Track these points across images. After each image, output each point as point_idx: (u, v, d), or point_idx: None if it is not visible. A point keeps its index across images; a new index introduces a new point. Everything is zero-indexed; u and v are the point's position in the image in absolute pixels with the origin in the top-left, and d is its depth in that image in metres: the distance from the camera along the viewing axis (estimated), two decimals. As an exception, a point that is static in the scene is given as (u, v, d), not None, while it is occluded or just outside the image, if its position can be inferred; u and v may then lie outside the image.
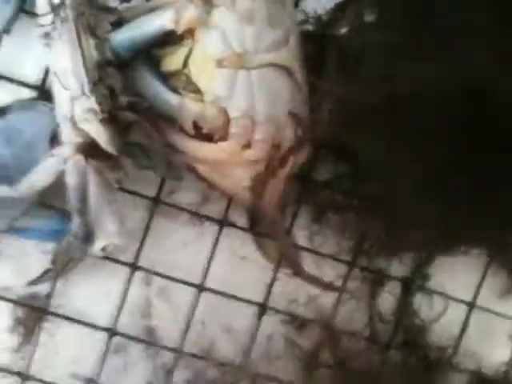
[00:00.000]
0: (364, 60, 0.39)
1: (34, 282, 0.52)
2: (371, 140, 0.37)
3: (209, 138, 0.48)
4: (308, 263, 0.55)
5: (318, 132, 0.43)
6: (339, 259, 0.57)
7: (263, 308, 0.56)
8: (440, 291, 0.59)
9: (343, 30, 0.45)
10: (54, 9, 0.43)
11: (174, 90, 0.47)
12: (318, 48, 0.49)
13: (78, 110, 0.45)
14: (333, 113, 0.41)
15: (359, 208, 0.54)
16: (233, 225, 0.55)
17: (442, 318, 0.58)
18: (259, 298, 0.56)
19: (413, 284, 0.58)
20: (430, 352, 0.57)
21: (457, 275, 0.59)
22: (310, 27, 0.53)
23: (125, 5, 0.49)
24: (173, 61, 0.48)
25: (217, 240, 0.55)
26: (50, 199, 0.52)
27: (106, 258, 0.53)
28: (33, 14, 0.50)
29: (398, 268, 0.58)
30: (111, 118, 0.46)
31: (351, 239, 0.56)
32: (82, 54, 0.44)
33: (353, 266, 0.57)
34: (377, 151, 0.37)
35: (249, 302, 0.56)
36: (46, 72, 0.52)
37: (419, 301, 0.58)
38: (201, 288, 0.55)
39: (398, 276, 0.58)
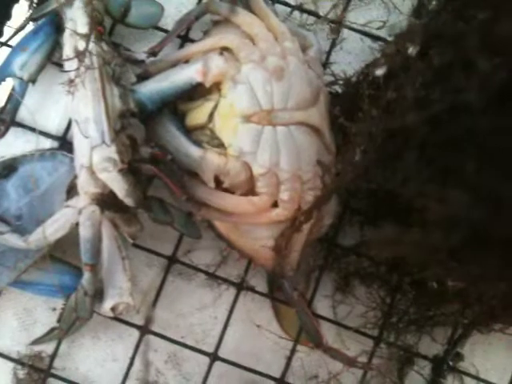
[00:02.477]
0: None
1: (38, 341, 0.50)
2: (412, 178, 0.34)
3: (229, 193, 0.46)
4: (330, 336, 0.52)
5: (348, 180, 0.41)
6: (365, 333, 0.53)
7: (280, 383, 0.52)
8: (473, 374, 0.54)
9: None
10: (80, 55, 0.43)
11: (197, 144, 0.46)
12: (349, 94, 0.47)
13: (96, 158, 0.44)
14: (366, 153, 0.38)
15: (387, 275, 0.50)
16: (251, 289, 0.52)
17: (474, 404, 0.53)
18: (277, 372, 0.52)
19: (444, 364, 0.54)
20: None
21: (491, 356, 0.55)
22: (338, 88, 0.52)
23: (152, 58, 0.49)
24: (198, 115, 0.47)
25: (234, 304, 0.52)
26: (65, 254, 0.50)
27: (116, 318, 0.50)
28: (59, 65, 0.50)
29: (429, 345, 0.53)
30: (131, 170, 0.44)
31: (378, 311, 0.52)
32: (105, 103, 0.44)
33: (379, 341, 0.53)
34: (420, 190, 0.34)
35: (265, 375, 0.52)
36: (69, 123, 0.52)
37: (450, 383, 0.54)
38: (214, 357, 0.51)
39: (428, 354, 0.54)
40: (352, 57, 0.56)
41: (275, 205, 0.46)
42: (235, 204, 0.46)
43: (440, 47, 0.33)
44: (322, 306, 0.53)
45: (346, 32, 0.55)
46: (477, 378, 0.54)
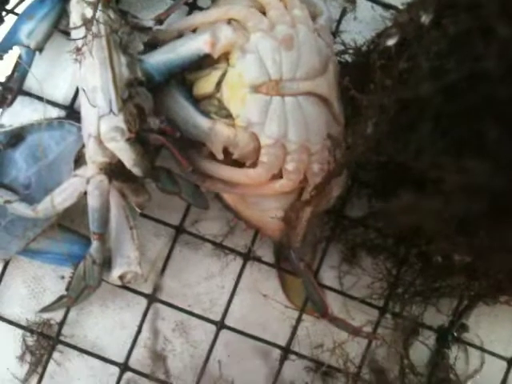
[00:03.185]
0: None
1: (47, 309, 0.51)
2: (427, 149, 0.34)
3: (238, 164, 0.46)
4: (336, 306, 0.52)
5: (359, 153, 0.40)
6: (370, 303, 0.53)
7: (286, 352, 0.52)
8: (478, 345, 0.54)
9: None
10: (87, 23, 0.42)
11: (206, 115, 0.46)
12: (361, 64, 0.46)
13: (104, 128, 0.44)
14: (378, 125, 0.38)
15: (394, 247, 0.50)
16: (258, 259, 0.53)
17: (478, 375, 0.54)
18: (282, 341, 0.53)
19: (449, 334, 0.54)
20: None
21: (496, 328, 0.55)
22: (348, 57, 0.51)
23: (159, 26, 0.48)
24: (205, 84, 0.47)
25: (240, 274, 0.52)
26: (73, 223, 0.50)
27: (124, 287, 0.50)
28: (66, 33, 0.50)
29: (434, 316, 0.54)
30: (139, 139, 0.44)
31: (384, 282, 0.52)
32: (113, 71, 0.43)
33: (385, 312, 0.53)
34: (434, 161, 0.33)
35: (271, 343, 0.52)
36: (76, 92, 0.52)
37: (455, 353, 0.54)
38: (221, 325, 0.52)
39: (433, 325, 0.54)
40: (363, 25, 0.55)
41: (281, 176, 0.46)
42: (230, 175, 0.46)
43: (455, 15, 0.32)
44: (328, 277, 0.53)
45: (357, 0, 0.54)
46: (481, 348, 0.55)
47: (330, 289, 0.53)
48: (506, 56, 0.31)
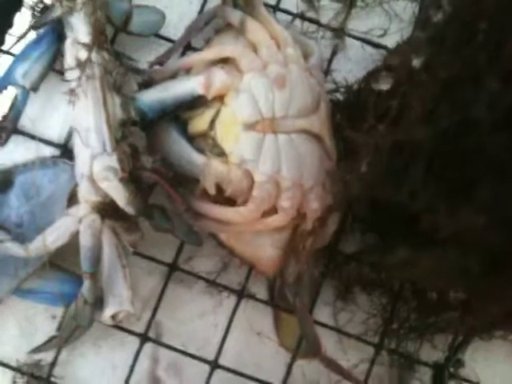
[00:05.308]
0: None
1: (38, 350, 0.50)
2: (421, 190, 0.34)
3: (231, 201, 0.46)
4: (331, 343, 0.52)
5: (355, 191, 0.40)
6: (365, 340, 0.53)
7: (281, 391, 0.52)
8: (474, 381, 0.54)
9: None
10: (81, 65, 0.43)
11: (200, 151, 0.46)
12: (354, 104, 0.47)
13: (97, 167, 0.44)
14: (372, 165, 0.38)
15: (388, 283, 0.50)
16: (252, 297, 0.52)
17: (475, 411, 0.53)
18: (277, 380, 0.52)
19: (445, 370, 0.53)
20: None
21: (492, 363, 0.54)
22: (339, 96, 0.52)
23: (154, 67, 0.49)
24: (199, 122, 0.47)
25: (234, 312, 0.52)
26: (65, 262, 0.50)
27: (116, 326, 0.50)
28: (61, 73, 0.50)
29: (429, 352, 0.53)
30: (132, 178, 0.44)
31: (379, 318, 0.52)
32: (106, 112, 0.44)
33: (380, 348, 0.52)
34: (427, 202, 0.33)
35: (266, 383, 0.52)
36: (70, 131, 0.52)
37: (451, 390, 0.54)
38: (214, 365, 0.51)
39: (428, 361, 0.53)
40: (353, 64, 0.55)
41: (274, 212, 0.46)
42: (222, 214, 0.46)
43: (446, 61, 0.33)
44: (323, 314, 0.53)
45: (347, 39, 0.56)
46: (478, 384, 0.54)
47: (325, 326, 0.53)
48: (496, 106, 0.31)
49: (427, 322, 0.51)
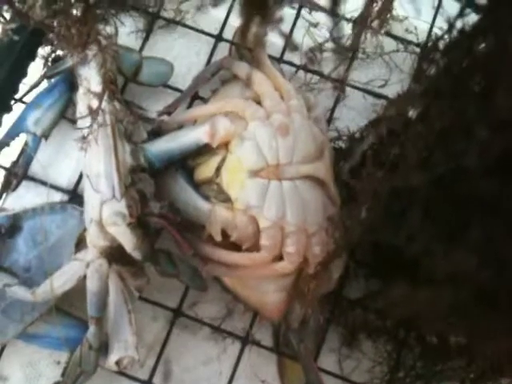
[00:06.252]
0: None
1: (41, 396, 0.49)
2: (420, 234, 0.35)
3: (236, 247, 0.47)
4: (336, 392, 0.51)
5: (356, 236, 0.41)
6: (371, 388, 0.52)
7: None
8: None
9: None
10: (93, 113, 0.44)
11: (206, 198, 0.47)
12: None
13: (106, 213, 0.45)
14: (372, 210, 0.39)
15: (393, 330, 0.50)
16: (257, 343, 0.52)
17: None
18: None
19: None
20: None
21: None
22: (342, 144, 0.53)
23: (163, 116, 0.51)
24: (205, 169, 0.48)
25: (239, 359, 0.52)
26: (71, 307, 0.50)
27: (120, 372, 0.49)
28: (71, 120, 0.52)
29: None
30: (140, 223, 0.45)
31: (385, 366, 0.52)
32: (117, 159, 0.45)
33: (386, 398, 0.52)
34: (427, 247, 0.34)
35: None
36: (80, 177, 0.53)
37: None
38: (219, 414, 0.51)
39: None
40: (355, 113, 0.57)
41: (281, 258, 0.47)
42: (234, 260, 0.46)
43: (439, 112, 0.34)
44: (328, 361, 0.52)
45: (348, 90, 0.57)
46: None
47: (331, 373, 0.52)
48: (486, 156, 0.32)
49: (433, 369, 0.51)
